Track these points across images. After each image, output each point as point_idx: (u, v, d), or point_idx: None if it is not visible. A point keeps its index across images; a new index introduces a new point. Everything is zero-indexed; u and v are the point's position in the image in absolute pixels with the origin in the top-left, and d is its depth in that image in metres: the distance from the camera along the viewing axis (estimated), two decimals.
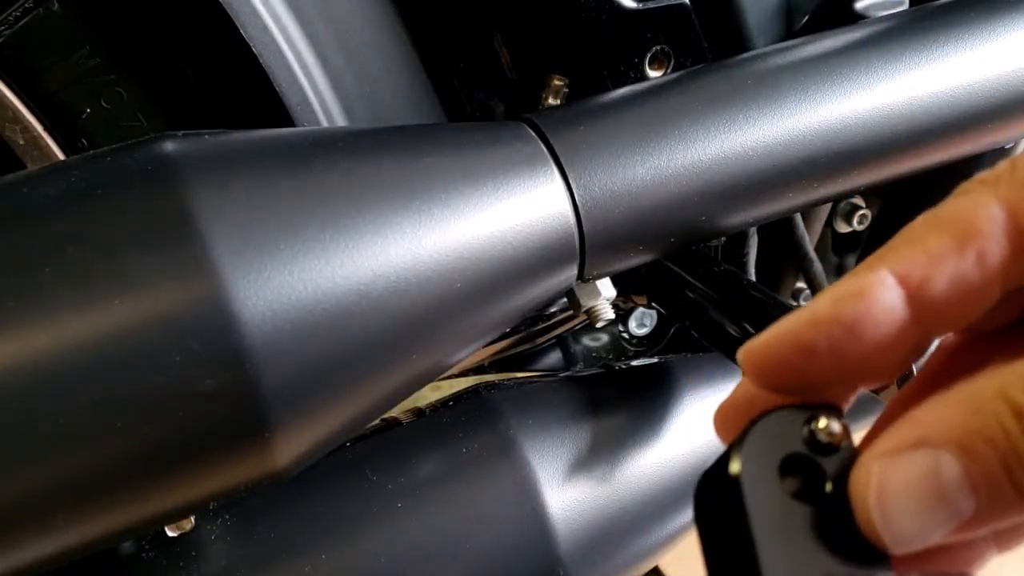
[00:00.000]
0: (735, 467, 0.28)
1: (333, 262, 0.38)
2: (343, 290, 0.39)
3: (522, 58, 0.65)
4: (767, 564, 0.26)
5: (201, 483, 0.38)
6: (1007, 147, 0.63)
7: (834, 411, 0.29)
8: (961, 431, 0.25)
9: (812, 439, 0.28)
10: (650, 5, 0.61)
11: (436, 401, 0.60)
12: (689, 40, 0.63)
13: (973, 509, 0.25)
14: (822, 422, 0.29)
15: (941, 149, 0.57)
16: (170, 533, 0.46)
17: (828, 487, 0.28)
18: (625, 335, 0.87)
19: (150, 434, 0.35)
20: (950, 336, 0.33)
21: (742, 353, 0.29)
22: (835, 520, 0.27)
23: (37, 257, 0.35)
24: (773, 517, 0.27)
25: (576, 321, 0.82)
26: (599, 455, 0.55)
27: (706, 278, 0.69)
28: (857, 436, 0.30)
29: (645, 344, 0.87)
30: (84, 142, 0.59)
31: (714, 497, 0.29)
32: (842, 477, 0.28)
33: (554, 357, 0.89)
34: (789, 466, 0.28)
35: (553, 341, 0.87)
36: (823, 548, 0.27)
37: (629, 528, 0.56)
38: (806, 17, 0.70)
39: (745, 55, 0.56)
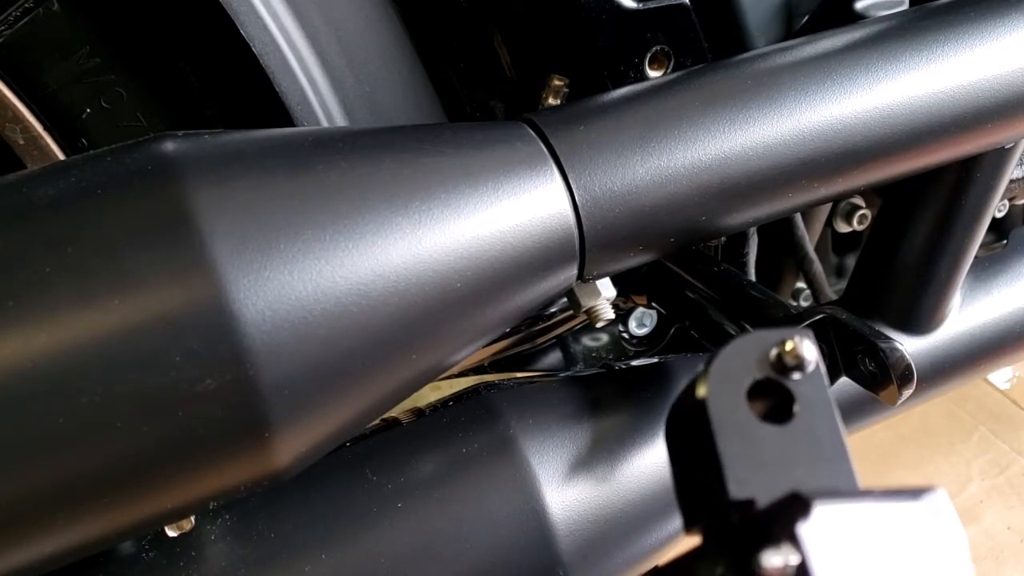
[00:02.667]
0: (701, 391, 0.29)
1: (333, 262, 0.38)
2: (343, 290, 0.39)
3: (522, 58, 0.65)
4: (733, 482, 0.27)
5: (201, 483, 0.38)
6: (1007, 147, 0.63)
7: (805, 334, 0.30)
8: None
9: (780, 362, 0.29)
10: (650, 5, 0.61)
11: (436, 401, 0.60)
12: (689, 40, 0.63)
13: None
14: (789, 345, 0.29)
15: (941, 149, 0.57)
16: (170, 533, 0.46)
17: (796, 408, 0.29)
18: (625, 335, 0.87)
19: (150, 434, 0.35)
20: None
21: None
22: (803, 439, 0.28)
23: (37, 257, 0.35)
24: (740, 437, 0.28)
25: (576, 321, 0.82)
26: (599, 455, 0.55)
27: (706, 278, 0.69)
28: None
29: (645, 344, 0.87)
30: (84, 142, 0.59)
31: (684, 421, 0.30)
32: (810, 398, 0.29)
33: (554, 357, 0.89)
34: (759, 389, 0.29)
35: (553, 341, 0.87)
36: (790, 466, 0.28)
37: (629, 528, 0.56)
38: (806, 17, 0.70)
39: (745, 55, 0.56)
